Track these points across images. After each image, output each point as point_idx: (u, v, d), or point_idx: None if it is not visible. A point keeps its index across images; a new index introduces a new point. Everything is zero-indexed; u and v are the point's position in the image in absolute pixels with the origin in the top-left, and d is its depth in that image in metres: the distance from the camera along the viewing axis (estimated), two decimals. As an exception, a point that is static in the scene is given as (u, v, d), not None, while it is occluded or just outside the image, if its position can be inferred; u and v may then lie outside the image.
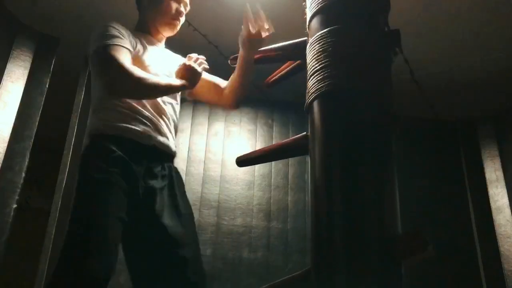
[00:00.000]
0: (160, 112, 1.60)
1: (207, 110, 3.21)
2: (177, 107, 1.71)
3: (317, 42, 1.14)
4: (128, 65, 1.44)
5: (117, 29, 1.53)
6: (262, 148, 1.56)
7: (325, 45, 1.12)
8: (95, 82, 1.61)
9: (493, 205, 3.07)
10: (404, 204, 1.24)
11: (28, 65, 2.48)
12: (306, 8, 1.38)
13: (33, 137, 2.37)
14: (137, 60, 1.56)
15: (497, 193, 3.08)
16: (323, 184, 1.02)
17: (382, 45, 1.13)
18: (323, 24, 1.16)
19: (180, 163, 3.07)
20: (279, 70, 1.65)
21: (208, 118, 3.20)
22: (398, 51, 1.17)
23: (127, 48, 1.50)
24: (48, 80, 2.51)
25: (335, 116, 1.08)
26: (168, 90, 1.56)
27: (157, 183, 1.52)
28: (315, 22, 1.19)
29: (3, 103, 2.32)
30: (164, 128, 1.60)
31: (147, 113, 1.55)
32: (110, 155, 1.44)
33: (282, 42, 2.17)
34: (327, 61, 1.10)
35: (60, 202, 2.43)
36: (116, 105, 1.53)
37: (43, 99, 2.46)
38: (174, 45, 2.98)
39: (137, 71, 1.45)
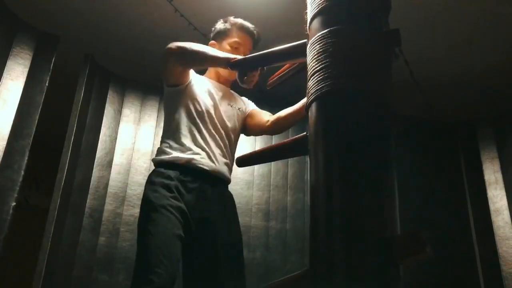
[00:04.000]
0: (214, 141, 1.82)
1: (207, 110, 3.20)
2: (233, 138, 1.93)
3: (318, 43, 1.14)
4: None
5: None
6: (262, 148, 1.57)
7: (326, 45, 1.12)
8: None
9: (491, 207, 3.07)
10: (403, 205, 1.25)
11: (28, 63, 2.47)
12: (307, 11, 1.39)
13: (33, 135, 2.36)
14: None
15: (496, 195, 3.08)
16: (322, 184, 1.02)
17: (382, 45, 1.13)
18: (324, 25, 1.16)
19: (179, 162, 3.06)
20: (278, 72, 1.65)
21: (208, 118, 3.18)
22: (398, 52, 1.17)
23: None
24: (48, 78, 2.50)
25: (335, 116, 1.07)
26: (212, 58, 1.77)
27: (208, 206, 1.72)
28: (315, 23, 1.19)
29: (3, 101, 2.32)
30: (218, 156, 1.80)
31: (201, 143, 1.77)
32: (167, 180, 1.66)
33: (283, 42, 2.18)
34: (328, 61, 1.10)
35: (59, 201, 2.42)
36: (174, 138, 1.77)
37: (43, 97, 2.45)
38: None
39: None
